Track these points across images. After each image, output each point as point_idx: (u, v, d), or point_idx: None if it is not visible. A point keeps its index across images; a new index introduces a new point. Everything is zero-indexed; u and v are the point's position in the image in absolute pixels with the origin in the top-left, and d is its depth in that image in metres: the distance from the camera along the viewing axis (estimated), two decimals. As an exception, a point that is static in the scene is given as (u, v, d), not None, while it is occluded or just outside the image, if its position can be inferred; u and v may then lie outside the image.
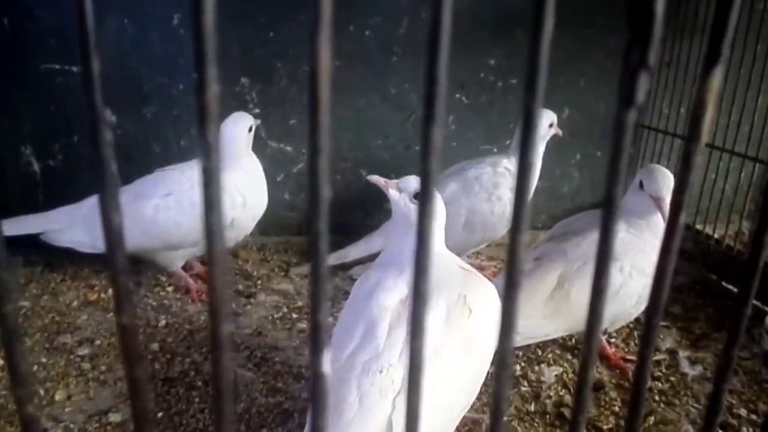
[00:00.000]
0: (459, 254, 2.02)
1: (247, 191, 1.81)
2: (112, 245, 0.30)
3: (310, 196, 0.28)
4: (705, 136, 0.31)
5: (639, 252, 1.42)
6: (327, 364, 0.31)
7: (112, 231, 0.30)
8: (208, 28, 0.24)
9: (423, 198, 0.31)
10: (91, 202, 1.87)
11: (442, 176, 1.93)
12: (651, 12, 0.26)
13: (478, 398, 1.15)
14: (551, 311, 1.39)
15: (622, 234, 1.45)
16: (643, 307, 1.46)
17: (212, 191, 0.28)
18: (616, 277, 1.40)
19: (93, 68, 0.26)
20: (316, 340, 0.31)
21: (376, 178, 1.33)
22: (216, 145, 0.27)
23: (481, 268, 2.15)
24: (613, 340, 1.69)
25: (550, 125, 1.95)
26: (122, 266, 0.31)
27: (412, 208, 1.23)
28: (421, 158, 0.30)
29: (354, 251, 1.93)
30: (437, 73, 0.28)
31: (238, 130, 1.82)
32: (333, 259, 1.92)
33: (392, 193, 1.27)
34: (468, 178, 1.89)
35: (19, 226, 1.85)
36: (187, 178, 1.81)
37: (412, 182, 1.26)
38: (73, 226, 1.85)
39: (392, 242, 1.27)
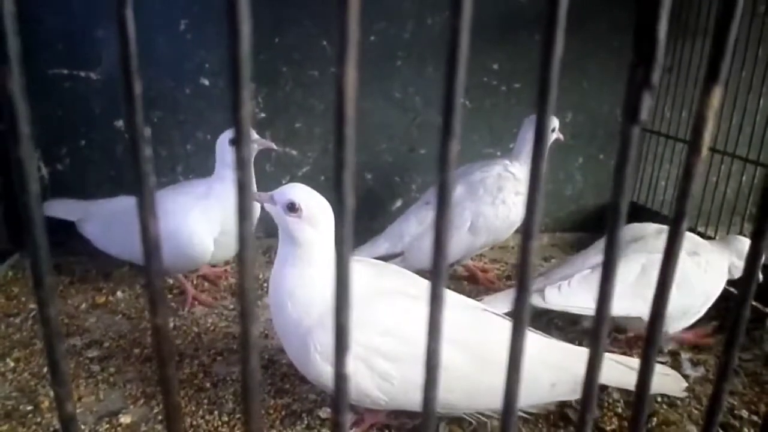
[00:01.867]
0: (463, 257, 2.05)
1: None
2: (148, 251, 0.32)
3: (335, 207, 0.30)
4: (705, 149, 0.33)
5: (713, 252, 1.60)
6: (350, 366, 0.33)
7: (148, 237, 0.32)
8: (244, 54, 0.26)
9: (440, 205, 0.33)
10: (116, 205, 1.89)
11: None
12: (654, 35, 0.28)
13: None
14: (634, 294, 1.49)
15: (698, 238, 1.66)
16: (706, 308, 1.58)
17: (245, 202, 0.30)
18: (693, 270, 1.54)
19: (135, 90, 0.28)
20: (339, 341, 0.33)
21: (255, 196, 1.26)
22: (249, 159, 0.29)
23: (484, 271, 2.17)
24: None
25: (552, 130, 1.97)
26: (158, 270, 0.33)
27: (288, 221, 1.18)
28: (438, 170, 0.32)
29: (359, 255, 1.95)
30: (454, 90, 0.30)
31: (225, 144, 1.80)
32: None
33: (268, 207, 1.21)
34: (472, 181, 1.91)
35: (61, 209, 1.98)
36: (173, 205, 1.77)
37: (286, 193, 1.19)
38: (95, 219, 1.91)
39: (279, 249, 1.23)
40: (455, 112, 0.30)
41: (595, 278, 1.50)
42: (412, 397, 1.14)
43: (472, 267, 2.15)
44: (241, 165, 0.29)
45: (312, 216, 1.17)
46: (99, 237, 1.90)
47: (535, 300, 1.52)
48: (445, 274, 0.34)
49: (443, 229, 0.33)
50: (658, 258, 0.36)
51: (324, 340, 1.12)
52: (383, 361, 1.13)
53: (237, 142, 0.28)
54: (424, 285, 1.27)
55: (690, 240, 1.59)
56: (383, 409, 1.28)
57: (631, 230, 1.71)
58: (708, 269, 1.55)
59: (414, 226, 1.94)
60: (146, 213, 0.31)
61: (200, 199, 1.78)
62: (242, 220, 0.30)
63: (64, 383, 0.34)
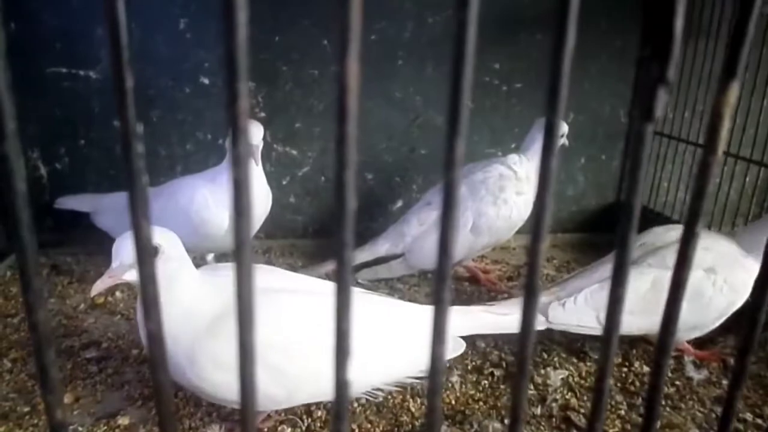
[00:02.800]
0: (465, 258, 2.03)
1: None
2: (140, 254, 0.31)
3: (337, 208, 0.28)
4: (721, 148, 0.32)
5: (735, 268, 1.49)
6: (350, 372, 0.32)
7: (140, 239, 0.31)
8: (241, 47, 0.25)
9: (446, 205, 0.32)
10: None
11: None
12: (671, 30, 0.27)
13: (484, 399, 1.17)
14: (640, 309, 1.44)
15: (723, 249, 1.52)
16: (718, 323, 1.53)
17: (242, 200, 0.28)
18: (707, 288, 1.47)
19: (126, 85, 0.27)
20: (340, 347, 0.31)
21: (97, 288, 1.17)
22: (247, 155, 0.28)
23: (486, 272, 2.16)
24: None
25: (561, 136, 1.97)
26: (150, 275, 0.31)
27: (135, 273, 1.12)
28: (444, 168, 0.30)
29: (360, 255, 1.94)
30: (461, 87, 0.29)
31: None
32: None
33: (127, 276, 1.14)
34: (474, 181, 1.90)
35: (76, 202, 2.05)
36: (180, 184, 1.84)
37: (120, 253, 1.13)
38: (109, 211, 1.94)
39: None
40: (461, 110, 0.29)
41: (603, 294, 1.46)
42: (307, 389, 1.17)
43: (474, 268, 2.13)
44: (237, 161, 0.28)
45: (171, 247, 1.13)
46: (115, 227, 1.91)
47: (539, 319, 1.48)
48: (449, 275, 0.33)
49: (448, 228, 0.32)
50: (669, 274, 0.34)
51: (214, 348, 1.09)
52: (275, 354, 1.12)
53: (234, 139, 0.27)
54: (309, 282, 1.30)
55: (710, 253, 1.49)
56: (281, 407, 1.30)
57: (652, 236, 1.62)
58: (725, 289, 1.47)
59: (415, 227, 1.93)
60: (138, 213, 0.29)
61: (208, 182, 1.81)
62: (239, 218, 0.29)
63: (53, 390, 0.33)
